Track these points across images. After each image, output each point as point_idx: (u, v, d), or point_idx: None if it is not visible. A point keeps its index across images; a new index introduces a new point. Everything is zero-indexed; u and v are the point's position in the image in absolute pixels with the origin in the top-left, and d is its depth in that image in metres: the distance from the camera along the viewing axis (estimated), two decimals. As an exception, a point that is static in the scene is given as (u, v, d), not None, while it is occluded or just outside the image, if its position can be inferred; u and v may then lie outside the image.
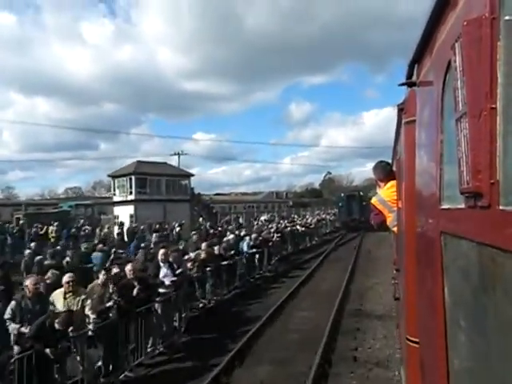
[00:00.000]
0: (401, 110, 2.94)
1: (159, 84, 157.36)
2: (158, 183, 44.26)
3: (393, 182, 4.83)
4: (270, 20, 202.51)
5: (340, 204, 48.49)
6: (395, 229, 4.67)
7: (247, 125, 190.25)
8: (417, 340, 2.52)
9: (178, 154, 58.55)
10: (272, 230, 26.75)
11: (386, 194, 4.83)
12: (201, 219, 44.07)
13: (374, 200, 4.97)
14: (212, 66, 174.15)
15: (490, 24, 1.26)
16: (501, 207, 1.22)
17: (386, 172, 5.16)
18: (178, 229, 33.83)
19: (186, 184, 47.44)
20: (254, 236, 21.44)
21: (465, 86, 1.36)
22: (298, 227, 33.94)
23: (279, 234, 27.12)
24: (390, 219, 4.73)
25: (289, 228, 31.58)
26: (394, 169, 5.22)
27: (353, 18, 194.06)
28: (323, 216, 52.83)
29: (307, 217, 48.22)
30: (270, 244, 23.29)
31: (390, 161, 6.18)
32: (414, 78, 2.33)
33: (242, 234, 23.38)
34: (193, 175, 49.35)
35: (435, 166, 1.78)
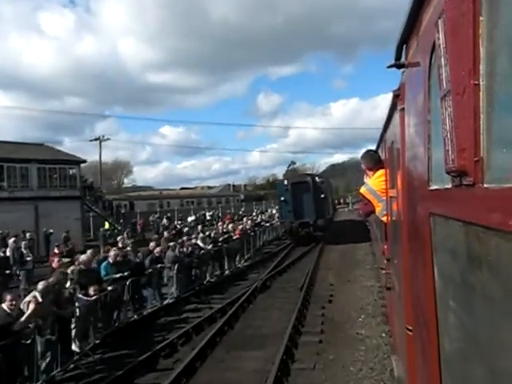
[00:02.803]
0: (396, 96, 2.93)
1: (124, 77, 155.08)
2: (22, 173, 29.74)
3: (381, 171, 4.86)
4: (235, 12, 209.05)
5: (282, 198, 28.21)
6: (384, 218, 4.72)
7: (215, 117, 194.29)
8: (411, 328, 2.53)
9: (99, 138, 45.91)
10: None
11: (374, 184, 4.84)
12: (107, 224, 33.29)
13: (363, 189, 4.99)
14: (178, 58, 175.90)
15: (471, -1, 1.26)
16: (485, 185, 1.22)
17: (374, 161, 5.15)
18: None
19: (73, 174, 32.87)
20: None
21: (448, 63, 1.36)
22: (199, 243, 17.88)
23: (129, 273, 11.95)
24: (379, 209, 4.78)
25: (172, 250, 15.01)
26: (383, 157, 5.26)
27: (317, 10, 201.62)
28: (269, 214, 37.66)
29: (244, 220, 30.04)
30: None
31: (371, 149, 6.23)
32: (403, 59, 2.33)
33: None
34: (84, 161, 34.61)
35: (424, 147, 1.78)
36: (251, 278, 17.35)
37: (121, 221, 35.22)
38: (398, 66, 2.33)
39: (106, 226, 33.06)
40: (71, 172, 32.88)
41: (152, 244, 15.67)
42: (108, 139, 48.33)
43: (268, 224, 32.50)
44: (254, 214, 41.18)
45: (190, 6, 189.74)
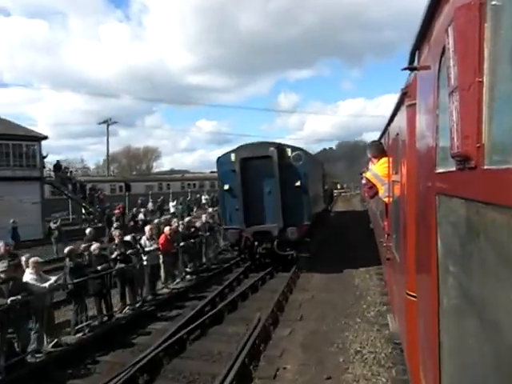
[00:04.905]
0: (404, 93, 2.91)
1: (168, 78, 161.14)
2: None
3: (384, 159, 4.94)
4: (261, 23, 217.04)
5: (226, 186, 12.88)
6: (386, 199, 4.86)
7: (243, 112, 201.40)
8: (415, 294, 2.54)
9: (107, 121, 43.98)
10: None
11: (379, 170, 4.94)
12: (84, 210, 25.94)
13: (368, 174, 5.13)
14: (213, 62, 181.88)
15: (478, 8, 1.26)
16: (485, 167, 1.24)
17: (379, 150, 5.25)
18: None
19: (32, 152, 23.56)
20: None
21: (456, 63, 1.37)
22: (28, 275, 7.04)
23: None
24: (382, 191, 4.88)
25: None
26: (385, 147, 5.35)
27: (330, 21, 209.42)
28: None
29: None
30: None
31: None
32: (416, 63, 2.32)
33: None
34: (45, 138, 24.71)
35: (432, 137, 1.79)
36: (148, 337, 7.70)
37: (97, 207, 26.16)
38: (411, 68, 2.33)
39: (83, 211, 26.33)
40: (29, 149, 23.49)
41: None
42: (115, 122, 46.45)
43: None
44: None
45: (223, 19, 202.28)
